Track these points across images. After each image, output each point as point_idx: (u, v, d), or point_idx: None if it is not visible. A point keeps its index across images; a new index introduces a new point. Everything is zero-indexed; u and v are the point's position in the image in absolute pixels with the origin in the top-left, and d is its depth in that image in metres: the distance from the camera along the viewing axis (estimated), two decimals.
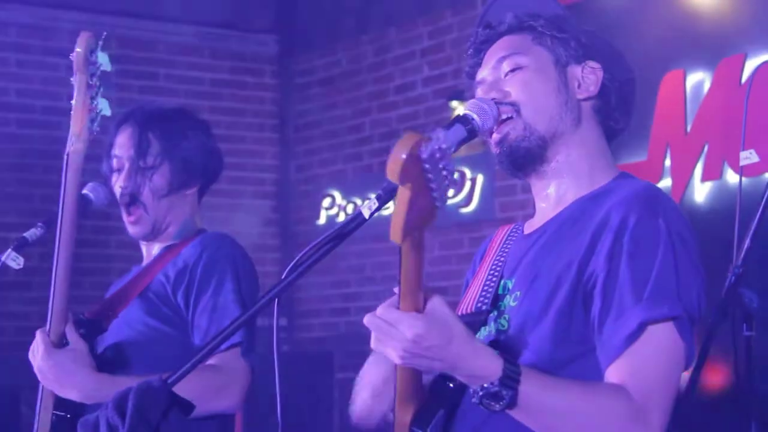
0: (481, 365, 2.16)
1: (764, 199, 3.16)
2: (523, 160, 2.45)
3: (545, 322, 2.32)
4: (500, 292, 2.46)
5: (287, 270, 2.22)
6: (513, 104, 2.45)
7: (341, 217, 8.13)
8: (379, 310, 2.16)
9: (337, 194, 8.26)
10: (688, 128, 5.66)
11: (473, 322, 2.39)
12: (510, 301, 2.41)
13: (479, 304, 2.48)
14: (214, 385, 3.19)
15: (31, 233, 3.52)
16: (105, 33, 3.30)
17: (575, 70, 2.50)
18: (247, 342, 3.27)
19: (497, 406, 2.16)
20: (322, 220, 8.32)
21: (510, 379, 2.16)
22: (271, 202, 8.53)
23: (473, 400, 2.19)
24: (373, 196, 2.27)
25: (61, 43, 7.58)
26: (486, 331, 2.42)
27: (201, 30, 8.28)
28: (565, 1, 5.65)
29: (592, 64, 2.50)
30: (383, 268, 7.52)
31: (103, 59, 3.27)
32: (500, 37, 2.56)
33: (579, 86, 2.49)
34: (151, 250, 3.56)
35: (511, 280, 2.45)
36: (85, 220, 3.44)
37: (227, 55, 8.40)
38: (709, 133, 5.57)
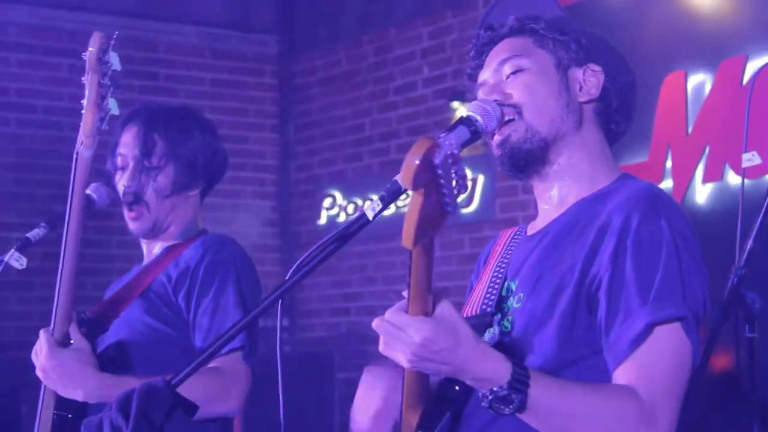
0: (489, 369, 2.17)
1: (767, 201, 3.17)
2: (525, 162, 2.46)
3: (548, 323, 2.32)
4: (504, 294, 2.47)
5: (291, 271, 2.23)
6: (515, 106, 2.46)
7: (342, 218, 8.14)
8: (388, 314, 2.17)
9: (337, 194, 8.26)
10: (690, 129, 5.65)
11: (478, 324, 2.40)
12: (513, 303, 2.42)
13: (484, 306, 2.48)
14: (215, 388, 3.19)
15: (34, 233, 3.51)
16: (116, 33, 3.30)
17: (576, 73, 2.51)
18: (248, 346, 3.27)
19: (507, 409, 2.17)
20: (322, 220, 8.32)
21: (519, 383, 2.17)
22: (272, 202, 8.53)
23: (483, 404, 2.19)
24: (374, 196, 2.27)
25: (61, 43, 7.61)
26: (491, 333, 2.43)
27: (201, 30, 8.28)
28: (566, 2, 5.68)
29: (593, 66, 2.51)
30: (384, 269, 7.53)
31: (114, 59, 3.27)
32: (502, 39, 2.58)
33: (580, 89, 2.50)
34: (152, 249, 3.56)
35: (515, 281, 2.46)
36: (88, 220, 3.44)
37: (228, 55, 8.40)
38: (711, 135, 5.56)
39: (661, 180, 5.57)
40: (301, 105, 8.71)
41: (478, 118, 2.37)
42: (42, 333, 3.25)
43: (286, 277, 2.23)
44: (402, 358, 2.15)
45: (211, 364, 3.10)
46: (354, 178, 8.22)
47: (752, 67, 5.36)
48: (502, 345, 2.35)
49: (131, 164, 3.47)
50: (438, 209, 2.03)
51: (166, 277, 3.40)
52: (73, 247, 3.25)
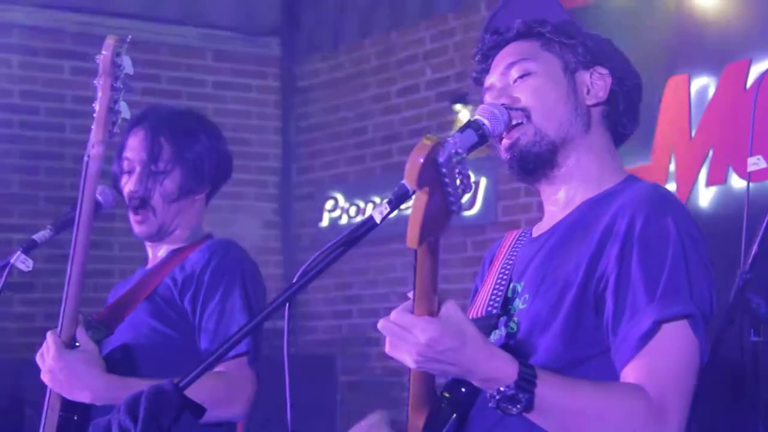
0: (496, 369, 2.18)
1: None
2: (534, 165, 2.47)
3: (554, 324, 2.32)
4: (509, 295, 2.47)
5: (298, 274, 2.22)
6: (523, 110, 2.46)
7: (344, 220, 8.13)
8: (393, 315, 2.17)
9: (339, 197, 8.24)
10: (693, 133, 5.67)
11: (483, 325, 2.40)
12: (519, 304, 2.42)
13: (489, 308, 2.48)
14: (222, 392, 3.20)
15: (41, 235, 3.50)
16: (130, 36, 3.32)
17: (584, 76, 2.51)
18: (253, 351, 3.28)
19: (514, 409, 2.18)
20: (324, 222, 8.31)
21: (526, 382, 2.17)
22: (274, 204, 8.53)
23: (490, 404, 2.20)
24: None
25: (64, 45, 7.61)
26: (496, 335, 2.43)
27: (204, 32, 8.27)
28: (570, 5, 5.68)
29: (600, 70, 2.52)
30: (386, 271, 7.52)
31: (126, 63, 3.29)
32: (508, 43, 2.58)
33: (588, 92, 2.51)
34: (156, 252, 3.56)
35: (520, 283, 2.46)
36: (93, 222, 3.45)
37: (230, 58, 8.39)
38: (714, 138, 5.57)
39: (664, 183, 5.57)
40: (304, 107, 8.70)
41: (486, 121, 2.37)
42: (49, 335, 3.26)
43: (294, 281, 2.22)
44: (408, 359, 2.16)
45: (217, 369, 3.11)
46: (356, 180, 8.20)
47: (756, 70, 5.38)
48: (508, 346, 2.35)
49: (138, 168, 3.47)
50: (443, 209, 2.04)
51: (172, 281, 3.40)
52: (82, 250, 3.26)
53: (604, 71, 2.51)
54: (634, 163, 5.55)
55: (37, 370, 3.28)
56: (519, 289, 2.45)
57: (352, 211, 8.09)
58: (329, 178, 8.42)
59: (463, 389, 2.30)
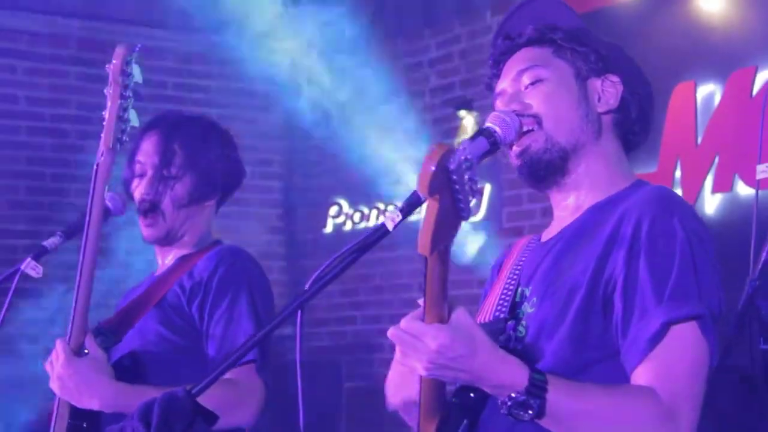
0: (507, 375, 2.19)
1: None
2: (545, 172, 2.47)
3: (563, 327, 2.32)
4: (517, 299, 2.47)
5: (310, 281, 2.22)
6: (535, 116, 2.46)
7: (348, 226, 8.14)
8: (403, 323, 2.17)
9: (343, 202, 8.25)
10: (699, 140, 5.68)
11: (491, 330, 2.38)
12: (527, 308, 2.42)
13: (497, 313, 2.48)
14: (231, 400, 3.19)
15: (51, 242, 3.50)
16: (139, 45, 3.32)
17: (595, 84, 2.51)
18: (261, 358, 3.28)
19: (526, 415, 2.18)
20: (328, 228, 8.32)
21: (537, 388, 2.18)
22: (278, 210, 8.53)
23: (502, 410, 2.20)
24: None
25: (70, 52, 7.62)
26: (505, 339, 2.42)
27: (208, 39, 8.26)
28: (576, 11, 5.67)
29: (612, 77, 2.51)
30: (391, 277, 7.52)
31: (136, 71, 3.29)
32: (520, 48, 2.58)
33: (599, 99, 2.51)
34: (165, 258, 3.57)
35: (528, 287, 2.46)
36: (118, 230, 3.45)
37: (232, 63, 8.36)
38: (720, 145, 5.59)
39: None
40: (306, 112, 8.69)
41: (497, 129, 2.37)
42: (58, 342, 3.25)
43: (306, 287, 2.23)
44: (419, 366, 2.17)
45: (226, 376, 3.13)
46: (360, 186, 8.16)
47: (762, 77, 5.41)
48: (516, 350, 2.35)
49: (150, 172, 3.48)
50: (453, 215, 2.05)
51: (180, 288, 3.41)
52: (91, 257, 3.26)
53: (616, 79, 2.51)
54: (640, 169, 5.54)
55: (44, 377, 3.28)
56: (527, 293, 2.45)
57: (356, 217, 8.10)
58: (333, 184, 8.42)
59: (472, 395, 2.30)
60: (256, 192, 8.25)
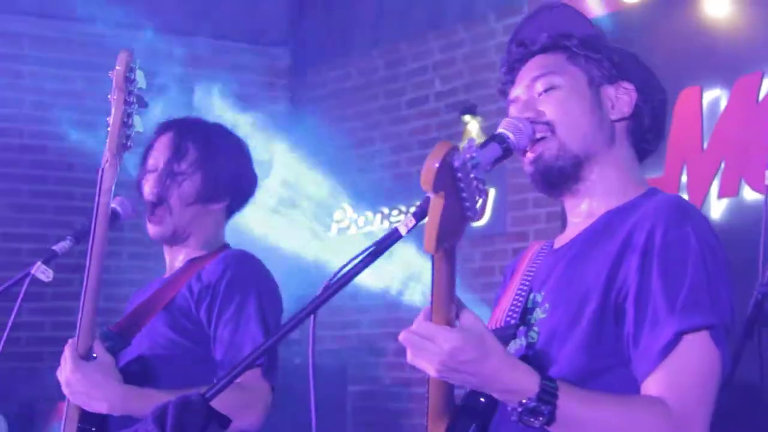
0: (517, 381, 2.18)
1: None
2: (557, 179, 2.47)
3: (575, 334, 2.32)
4: (529, 305, 2.47)
5: (323, 286, 2.23)
6: (548, 124, 2.46)
7: (352, 230, 8.14)
8: (414, 325, 2.17)
9: (347, 207, 8.24)
10: (705, 145, 5.67)
11: (502, 336, 2.39)
12: (539, 314, 2.42)
13: (508, 318, 2.48)
14: (238, 404, 3.19)
15: (61, 246, 3.50)
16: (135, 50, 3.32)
17: (609, 91, 2.51)
18: (268, 362, 3.28)
19: (536, 422, 2.18)
20: (332, 232, 8.31)
21: (548, 395, 2.18)
22: None
23: (512, 417, 2.20)
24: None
25: (74, 56, 7.62)
26: (516, 344, 2.43)
27: (214, 43, 8.29)
28: None
29: (625, 85, 2.51)
30: None
31: (140, 77, 3.30)
32: (534, 55, 2.57)
33: (612, 107, 2.50)
34: (174, 261, 3.57)
35: (541, 293, 2.46)
36: (110, 233, 3.46)
37: (240, 68, 8.39)
38: (726, 150, 5.58)
39: None
40: (313, 118, 8.68)
41: (510, 135, 2.37)
42: (67, 347, 3.26)
43: (318, 293, 2.23)
44: (429, 368, 2.17)
45: (235, 379, 3.13)
46: (364, 190, 8.19)
47: None
48: (528, 356, 2.35)
49: (161, 167, 3.50)
50: (458, 214, 2.05)
51: (188, 291, 3.41)
52: (97, 261, 3.27)
53: (630, 86, 2.51)
54: (647, 174, 5.44)
55: (47, 379, 3.28)
56: (539, 299, 2.45)
57: (361, 221, 8.10)
58: (338, 188, 8.40)
59: (482, 399, 2.30)
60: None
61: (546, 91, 2.49)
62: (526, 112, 2.47)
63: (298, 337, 8.20)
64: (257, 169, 3.69)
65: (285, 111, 8.69)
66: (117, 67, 3.27)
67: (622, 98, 2.51)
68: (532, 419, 2.18)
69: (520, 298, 2.49)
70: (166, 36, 7.88)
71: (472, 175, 2.04)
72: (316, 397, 2.34)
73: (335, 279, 2.22)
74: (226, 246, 3.58)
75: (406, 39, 8.05)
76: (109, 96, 3.31)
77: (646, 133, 2.54)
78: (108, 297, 5.02)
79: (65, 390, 3.24)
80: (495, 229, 7.13)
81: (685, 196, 5.58)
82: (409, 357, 2.20)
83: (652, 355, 2.24)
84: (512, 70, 2.60)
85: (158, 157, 3.52)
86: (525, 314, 2.46)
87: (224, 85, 8.28)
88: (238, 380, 3.12)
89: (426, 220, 2.10)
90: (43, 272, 3.45)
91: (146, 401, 3.15)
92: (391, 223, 7.85)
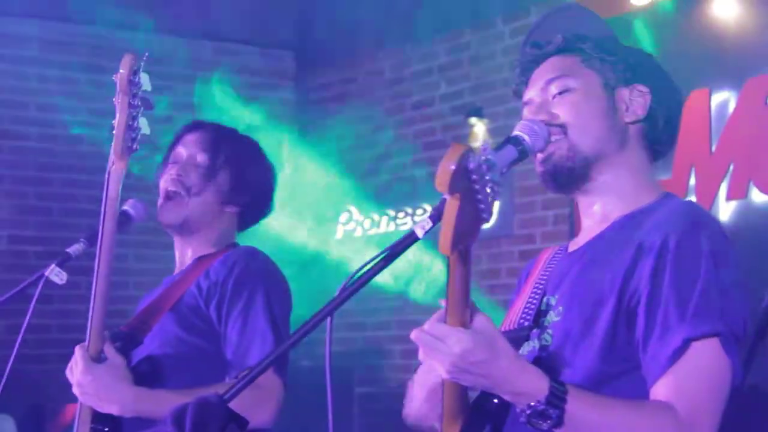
0: (527, 383, 2.19)
1: None
2: (567, 179, 2.48)
3: (589, 338, 2.33)
4: (543, 308, 2.47)
5: (340, 288, 2.23)
6: (561, 126, 2.46)
7: (358, 233, 8.13)
8: (427, 325, 2.18)
9: (353, 209, 8.23)
10: (713, 148, 5.68)
11: (515, 338, 2.41)
12: (553, 317, 2.42)
13: (522, 321, 2.49)
14: (251, 401, 3.18)
15: (75, 249, 3.50)
16: (146, 54, 3.32)
17: (623, 93, 2.51)
18: (279, 359, 3.29)
19: (545, 425, 2.19)
20: (339, 235, 8.30)
21: (557, 398, 2.19)
22: None
23: (521, 419, 2.21)
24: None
25: (80, 59, 7.64)
26: (529, 347, 2.44)
27: (219, 45, 8.30)
28: None
29: (640, 87, 2.51)
30: None
31: (144, 80, 3.29)
32: (548, 57, 2.58)
33: (627, 109, 2.50)
34: (183, 258, 3.59)
35: (555, 296, 2.46)
36: (125, 235, 3.47)
37: (245, 71, 8.38)
38: (735, 153, 5.59)
39: (684, 197, 5.57)
40: (318, 120, 8.67)
41: (526, 137, 2.39)
42: (77, 349, 3.26)
43: (336, 294, 2.24)
44: (441, 368, 2.18)
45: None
46: (370, 193, 8.17)
47: None
48: (541, 358, 2.37)
49: (194, 159, 3.53)
50: (474, 216, 2.06)
51: (197, 289, 3.42)
52: (106, 264, 3.27)
53: (644, 89, 2.51)
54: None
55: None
56: (553, 302, 2.46)
57: (367, 224, 8.10)
58: (344, 190, 8.37)
59: (494, 401, 2.31)
60: None
61: (560, 93, 2.50)
62: (540, 115, 2.49)
63: (306, 338, 8.18)
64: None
65: (290, 113, 8.70)
66: (121, 71, 3.27)
67: (636, 101, 2.50)
68: (540, 422, 2.19)
69: (534, 301, 2.50)
70: (172, 38, 7.92)
71: (487, 177, 2.04)
72: (324, 400, 2.35)
73: (352, 280, 2.22)
74: (234, 244, 3.60)
75: (412, 41, 8.04)
76: (113, 99, 3.31)
77: (660, 136, 2.54)
78: (114, 299, 5.03)
79: (76, 392, 3.25)
80: (502, 231, 7.13)
81: (693, 199, 5.60)
82: (421, 356, 2.21)
83: (661, 360, 2.25)
84: (526, 71, 2.61)
85: (190, 149, 3.54)
86: (539, 317, 2.46)
87: (230, 87, 8.30)
88: (241, 377, 3.14)
89: (441, 222, 2.10)
90: (57, 275, 3.45)
91: (157, 402, 3.18)
92: (397, 225, 7.84)
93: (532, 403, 2.18)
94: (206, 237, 3.54)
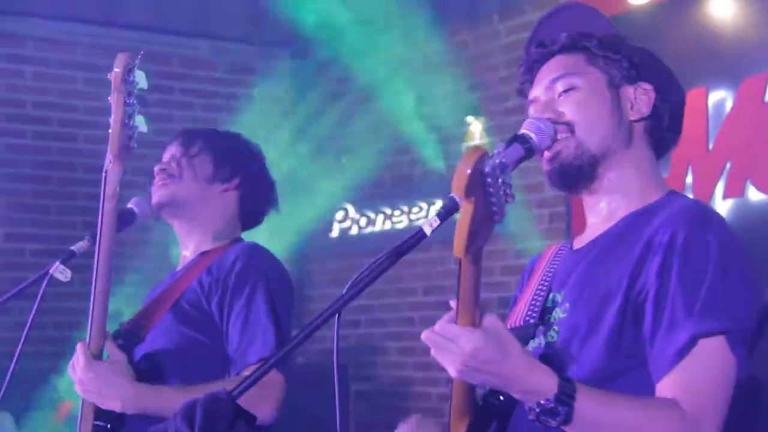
0: (536, 381, 2.21)
1: None
2: (574, 177, 2.49)
3: (596, 334, 2.34)
4: (548, 305, 2.49)
5: (347, 287, 2.25)
6: (567, 124, 2.47)
7: (354, 230, 8.14)
8: (438, 326, 2.20)
9: (349, 207, 8.24)
10: (710, 146, 5.67)
11: (522, 335, 2.42)
12: (559, 313, 2.44)
13: (527, 318, 2.51)
14: (252, 397, 3.20)
15: (79, 246, 3.52)
16: (142, 52, 3.34)
17: (628, 91, 2.52)
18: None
19: (554, 422, 2.21)
20: (334, 232, 8.31)
21: (566, 396, 2.20)
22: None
23: (529, 416, 2.23)
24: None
25: (77, 57, 7.64)
26: (535, 343, 2.45)
27: (215, 44, 8.28)
28: None
29: (644, 85, 2.53)
30: (395, 281, 7.53)
31: (140, 78, 3.30)
32: (553, 56, 2.59)
33: (631, 107, 2.52)
34: (185, 251, 3.62)
35: (560, 293, 2.48)
36: (128, 233, 3.49)
37: (240, 70, 8.41)
38: (732, 151, 5.58)
39: None
40: (314, 119, 8.61)
41: (533, 135, 2.39)
42: (79, 347, 3.28)
43: (343, 292, 2.25)
44: (451, 368, 2.19)
45: (245, 373, 3.19)
46: (366, 191, 8.16)
47: None
48: (547, 354, 2.38)
49: (169, 157, 3.60)
50: (487, 217, 2.09)
51: (199, 285, 3.44)
52: (106, 262, 3.29)
53: (648, 86, 2.53)
54: None
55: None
56: (559, 299, 2.47)
57: (363, 221, 8.10)
58: (339, 188, 8.36)
59: (501, 397, 2.34)
60: None
61: (566, 91, 2.51)
62: (546, 113, 2.49)
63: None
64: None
65: (286, 112, 8.69)
66: (115, 69, 3.28)
67: (640, 98, 2.52)
68: (549, 419, 2.20)
69: (540, 298, 2.52)
70: (165, 36, 7.92)
71: (500, 180, 2.07)
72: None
73: (360, 278, 2.23)
74: (237, 239, 3.61)
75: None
76: (108, 98, 3.32)
77: (665, 133, 2.56)
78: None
79: (78, 389, 3.27)
80: (497, 229, 7.10)
81: (690, 197, 5.58)
82: (433, 352, 2.22)
83: (668, 357, 2.27)
84: (531, 70, 2.62)
85: (169, 151, 3.61)
86: (544, 314, 2.48)
87: (224, 85, 8.33)
88: (250, 373, 3.16)
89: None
90: (61, 272, 3.45)
91: (159, 398, 3.22)
92: (393, 223, 7.83)
93: (542, 401, 2.20)
94: (207, 230, 3.58)
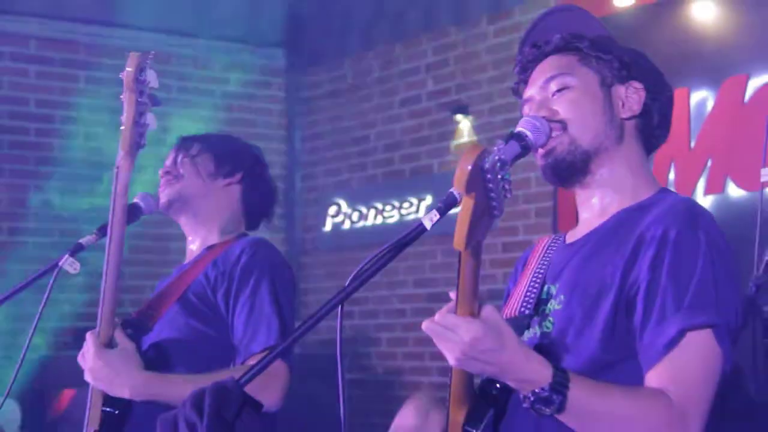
0: (531, 371, 2.27)
1: None
2: (566, 172, 2.55)
3: (590, 326, 2.39)
4: (543, 296, 2.54)
5: (350, 279, 2.31)
6: (561, 122, 2.53)
7: (346, 225, 8.18)
8: (438, 316, 2.25)
9: (342, 202, 8.30)
10: (692, 144, 5.72)
11: (518, 325, 2.46)
12: (554, 305, 2.49)
13: (522, 309, 2.55)
14: (259, 385, 3.24)
15: (87, 240, 3.55)
16: (153, 52, 3.38)
17: (619, 90, 2.58)
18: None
19: (548, 410, 2.27)
20: (327, 227, 8.36)
21: (560, 385, 2.26)
22: (279, 209, 8.55)
23: (524, 404, 2.29)
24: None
25: (79, 56, 7.65)
26: (531, 333, 2.50)
27: (212, 44, 8.31)
28: None
29: (635, 84, 2.59)
30: (387, 274, 7.51)
31: (151, 77, 3.35)
32: (546, 56, 2.64)
33: (623, 106, 2.57)
34: (192, 245, 3.67)
35: (555, 285, 2.52)
36: (135, 227, 3.58)
37: (237, 68, 8.43)
38: (713, 149, 5.64)
39: None
40: (308, 117, 8.72)
41: (529, 133, 2.44)
42: (89, 336, 3.34)
43: (346, 284, 2.31)
44: (450, 357, 2.24)
45: (251, 363, 3.17)
46: (359, 187, 8.24)
47: (753, 85, 5.47)
48: (542, 345, 2.43)
49: (171, 159, 3.67)
50: (486, 213, 2.14)
51: (205, 278, 3.49)
52: (116, 257, 3.34)
53: (639, 86, 2.58)
54: None
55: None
56: (553, 291, 2.52)
57: (355, 216, 8.14)
58: (332, 184, 8.45)
59: (497, 385, 2.38)
60: None
61: (559, 91, 2.56)
62: (541, 111, 2.55)
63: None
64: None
65: (281, 110, 8.75)
66: (127, 69, 3.33)
67: (631, 97, 2.58)
68: (543, 407, 2.26)
69: (534, 290, 2.57)
70: (163, 36, 7.89)
71: (499, 176, 2.12)
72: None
73: (362, 270, 2.29)
74: (243, 234, 3.67)
75: (401, 41, 8.07)
76: (121, 96, 3.38)
77: (655, 130, 2.62)
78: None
79: (88, 377, 3.32)
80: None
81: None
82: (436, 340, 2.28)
83: (657, 348, 2.31)
84: (525, 69, 2.67)
85: (170, 156, 3.69)
86: (539, 305, 2.53)
87: (221, 84, 8.36)
88: (254, 362, 3.23)
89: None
90: (70, 264, 3.48)
91: (166, 386, 3.27)
92: (384, 218, 7.87)
93: (537, 390, 2.25)
94: (213, 224, 3.64)
